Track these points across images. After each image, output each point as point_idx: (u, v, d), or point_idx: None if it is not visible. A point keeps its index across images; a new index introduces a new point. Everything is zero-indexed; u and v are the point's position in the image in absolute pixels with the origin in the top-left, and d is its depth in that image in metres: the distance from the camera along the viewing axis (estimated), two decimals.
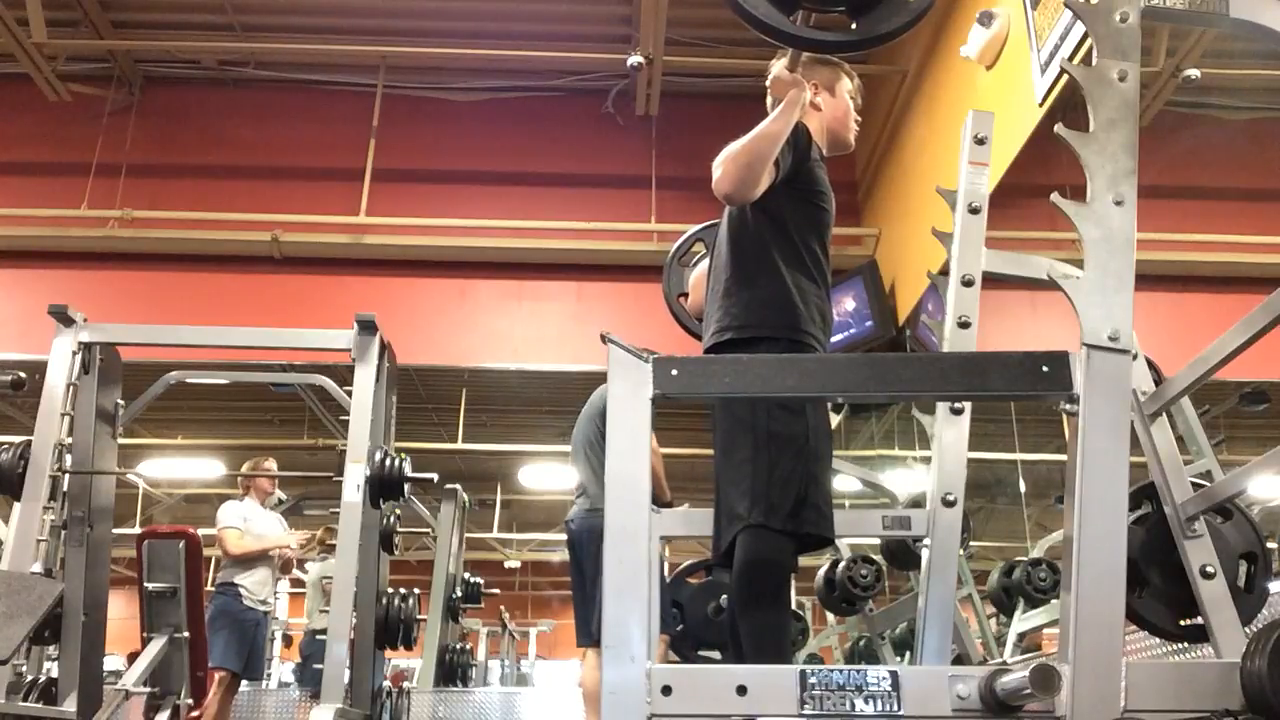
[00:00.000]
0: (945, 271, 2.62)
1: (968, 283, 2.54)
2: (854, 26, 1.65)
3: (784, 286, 2.21)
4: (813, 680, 1.43)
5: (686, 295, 3.02)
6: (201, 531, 4.42)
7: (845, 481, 5.98)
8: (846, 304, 6.09)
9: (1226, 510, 2.07)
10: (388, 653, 4.38)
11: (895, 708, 1.41)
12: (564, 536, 4.30)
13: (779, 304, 2.21)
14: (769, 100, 2.30)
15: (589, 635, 3.92)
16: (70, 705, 3.53)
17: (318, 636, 7.11)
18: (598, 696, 3.81)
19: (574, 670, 7.57)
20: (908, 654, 4.89)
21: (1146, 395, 2.14)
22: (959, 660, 4.02)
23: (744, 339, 2.20)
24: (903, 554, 4.29)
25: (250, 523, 5.57)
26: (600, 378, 1.62)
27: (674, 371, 1.54)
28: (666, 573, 4.28)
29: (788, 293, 2.21)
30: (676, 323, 3.03)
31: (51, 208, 6.37)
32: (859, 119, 2.53)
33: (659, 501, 3.86)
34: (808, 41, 1.80)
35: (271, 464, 5.80)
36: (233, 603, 5.41)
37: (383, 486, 3.94)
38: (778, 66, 2.26)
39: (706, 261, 2.60)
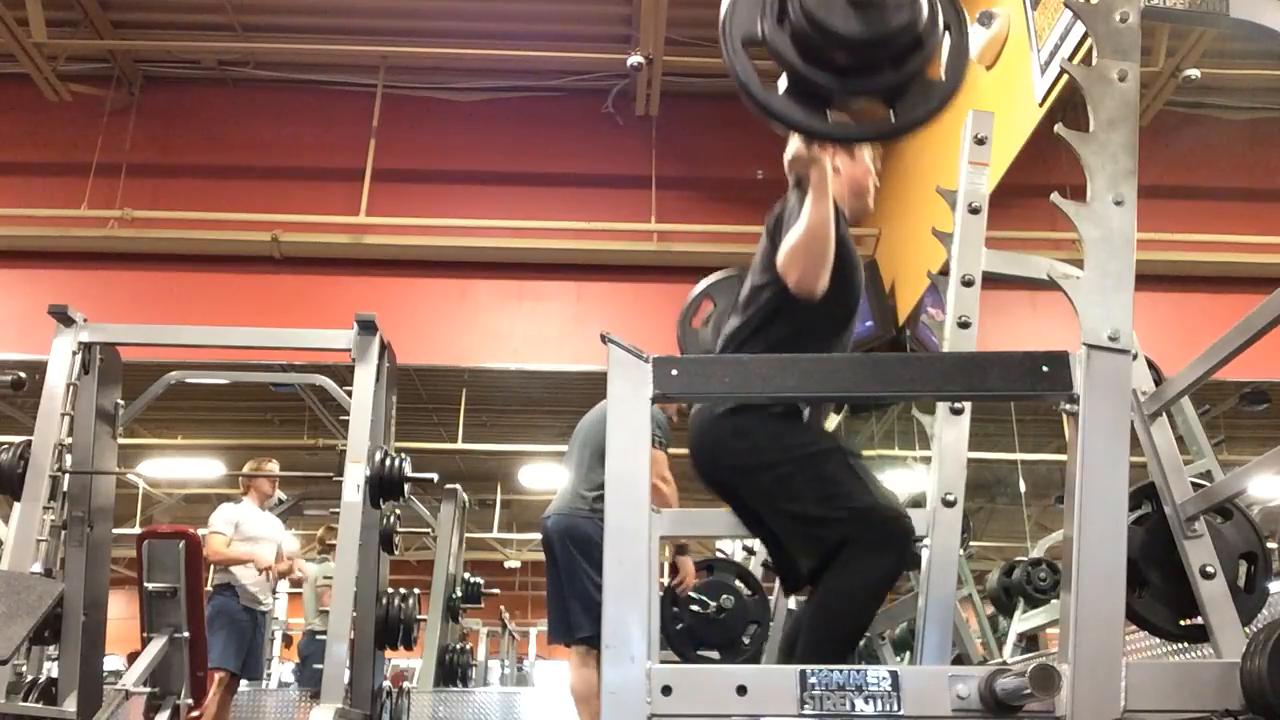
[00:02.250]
0: (945, 271, 2.62)
1: (968, 283, 2.54)
2: (892, 116, 1.61)
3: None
4: (813, 680, 1.43)
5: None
6: (201, 532, 4.43)
7: None
8: None
9: (1226, 510, 2.07)
10: (388, 653, 4.38)
11: (895, 708, 1.42)
12: None
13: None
14: (790, 177, 2.26)
15: (561, 634, 3.90)
16: (70, 705, 3.53)
17: (317, 636, 7.12)
18: (587, 697, 3.82)
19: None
20: (908, 654, 4.88)
21: (1146, 395, 2.14)
22: (959, 660, 4.03)
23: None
24: None
25: (245, 526, 5.56)
26: (600, 377, 1.61)
27: (674, 371, 1.54)
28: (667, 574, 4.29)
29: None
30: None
31: (51, 208, 6.37)
32: (878, 183, 2.47)
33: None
34: (852, 137, 1.77)
35: (273, 465, 5.79)
36: (230, 603, 5.41)
37: (383, 486, 3.94)
38: (794, 144, 2.16)
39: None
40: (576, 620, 3.79)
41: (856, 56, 1.56)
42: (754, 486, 2.18)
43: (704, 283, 3.18)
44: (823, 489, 2.08)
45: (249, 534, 5.56)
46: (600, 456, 4.00)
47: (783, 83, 1.59)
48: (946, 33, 1.60)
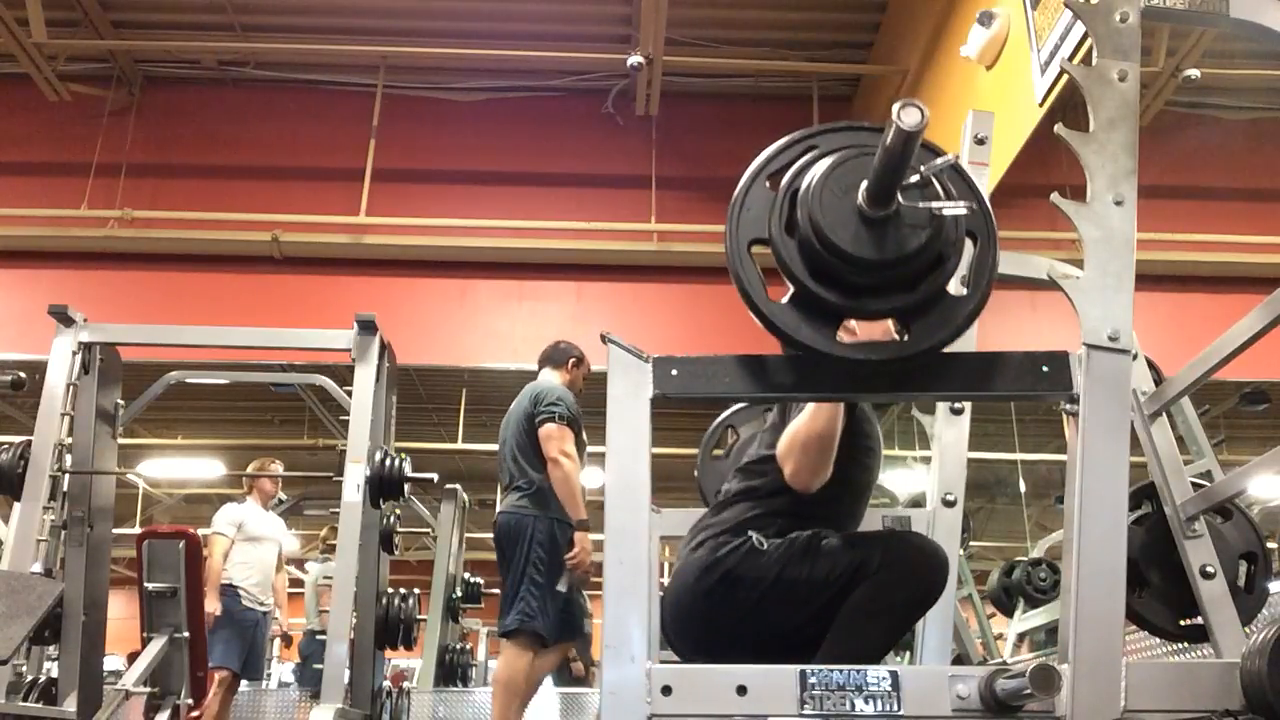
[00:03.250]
0: None
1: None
2: (905, 338, 1.47)
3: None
4: (813, 680, 1.43)
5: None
6: (201, 532, 4.43)
7: None
8: None
9: (1226, 510, 2.07)
10: (388, 653, 4.38)
11: (895, 708, 1.42)
12: None
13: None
14: None
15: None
16: (70, 705, 3.53)
17: (317, 636, 7.13)
18: (511, 688, 3.76)
19: None
20: (908, 654, 4.88)
21: (1146, 395, 2.14)
22: (959, 660, 4.03)
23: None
24: None
25: (248, 526, 5.56)
26: (600, 377, 1.61)
27: (674, 371, 1.54)
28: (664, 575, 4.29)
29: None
30: None
31: (51, 208, 6.37)
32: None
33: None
34: (855, 362, 1.62)
35: (277, 466, 5.79)
36: (232, 603, 5.41)
37: (383, 486, 3.94)
38: None
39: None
40: (503, 611, 3.80)
41: (866, 277, 1.42)
42: (766, 621, 1.98)
43: (725, 414, 3.05)
44: (819, 570, 1.94)
45: (252, 534, 5.56)
46: (516, 448, 3.97)
47: (789, 292, 1.47)
48: (972, 242, 1.49)
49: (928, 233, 1.41)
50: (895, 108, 1.29)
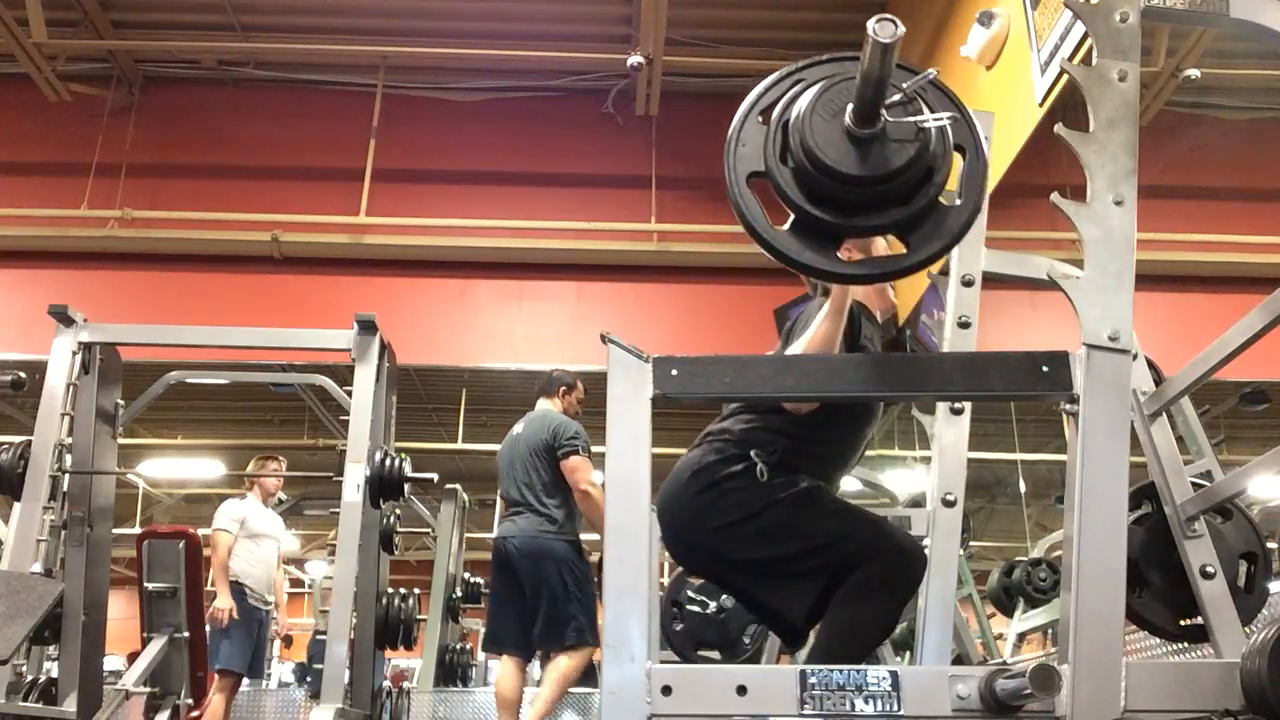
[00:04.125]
0: (945, 271, 2.62)
1: (968, 283, 2.54)
2: (906, 249, 1.51)
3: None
4: (813, 680, 1.43)
5: None
6: (201, 531, 4.43)
7: (846, 481, 5.96)
8: None
9: (1226, 510, 2.07)
10: (388, 653, 4.38)
11: (895, 708, 1.42)
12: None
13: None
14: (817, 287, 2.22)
15: (499, 644, 4.15)
16: (70, 705, 3.53)
17: (317, 636, 7.13)
18: (509, 702, 3.94)
19: None
20: (908, 654, 4.88)
21: (1146, 395, 2.14)
22: (959, 660, 4.03)
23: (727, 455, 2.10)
24: None
25: (250, 522, 5.55)
26: (600, 377, 1.61)
27: (674, 371, 1.54)
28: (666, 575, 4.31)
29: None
30: None
31: (51, 208, 6.37)
32: None
33: None
34: (862, 278, 1.63)
35: (279, 464, 5.78)
36: (239, 601, 5.36)
37: (383, 486, 3.95)
38: None
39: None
40: (556, 631, 4.00)
41: (860, 194, 1.47)
42: (731, 543, 2.06)
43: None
44: (804, 523, 2.03)
45: (254, 531, 5.55)
46: (534, 474, 4.09)
47: (789, 220, 1.51)
48: (960, 155, 1.52)
49: (915, 146, 1.45)
50: (870, 23, 1.34)
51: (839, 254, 1.52)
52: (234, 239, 6.41)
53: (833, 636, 2.01)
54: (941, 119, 1.47)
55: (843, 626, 2.00)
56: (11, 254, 6.32)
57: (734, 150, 1.52)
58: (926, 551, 2.39)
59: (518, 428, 4.31)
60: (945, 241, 1.51)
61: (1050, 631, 6.12)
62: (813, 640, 2.12)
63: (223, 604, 5.12)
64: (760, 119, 1.54)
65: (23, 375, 4.10)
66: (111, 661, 5.75)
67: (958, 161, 1.52)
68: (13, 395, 7.15)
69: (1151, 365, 2.44)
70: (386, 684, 4.53)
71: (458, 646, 6.73)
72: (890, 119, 1.44)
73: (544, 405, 4.37)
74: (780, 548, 2.02)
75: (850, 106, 1.44)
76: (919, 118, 1.46)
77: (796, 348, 2.03)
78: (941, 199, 1.50)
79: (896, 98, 1.45)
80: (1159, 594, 2.03)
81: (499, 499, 4.69)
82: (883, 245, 2.27)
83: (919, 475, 7.32)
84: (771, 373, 1.64)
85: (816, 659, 1.95)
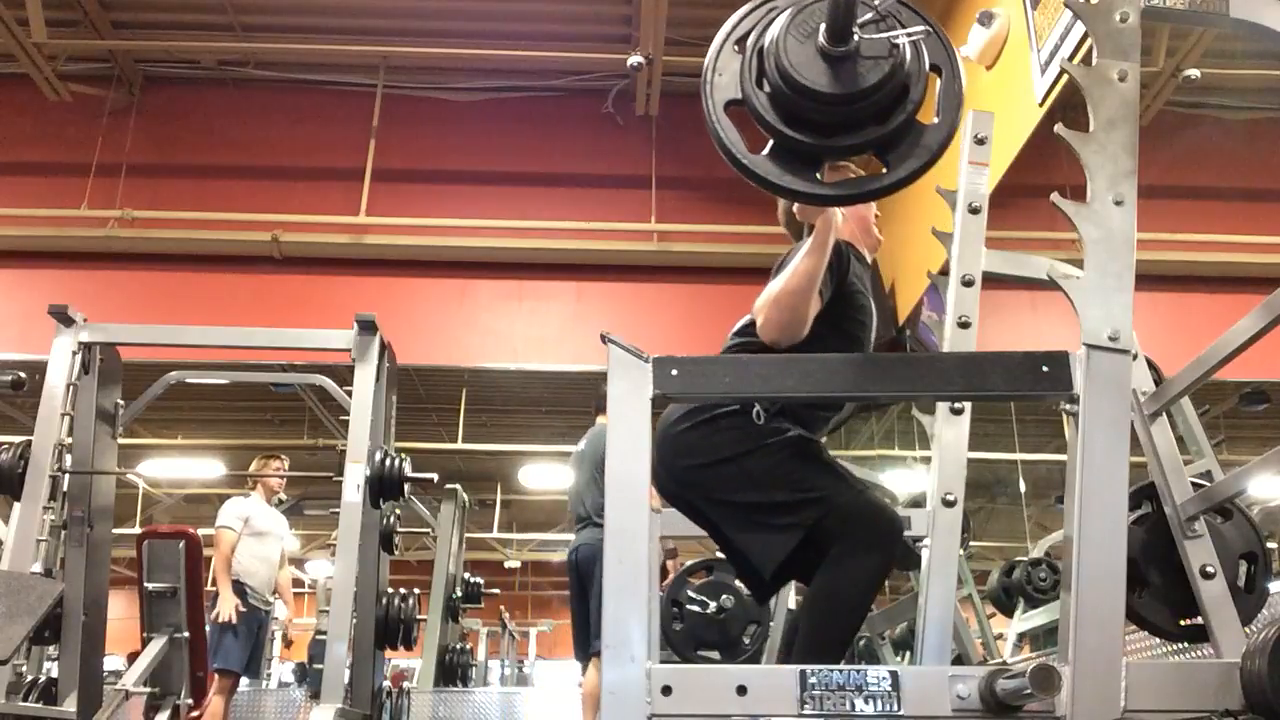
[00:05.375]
0: (945, 271, 2.62)
1: (968, 283, 2.54)
2: (885, 170, 1.50)
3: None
4: (813, 680, 1.43)
5: None
6: (201, 531, 4.43)
7: None
8: None
9: (1226, 510, 2.07)
10: (388, 653, 4.38)
11: (895, 708, 1.41)
12: (565, 536, 4.38)
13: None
14: (793, 217, 2.25)
15: (578, 649, 4.23)
16: (70, 705, 3.53)
17: (317, 637, 7.13)
18: (597, 701, 3.95)
19: (573, 670, 7.58)
20: (908, 654, 4.89)
21: (1146, 395, 2.14)
22: (959, 660, 4.03)
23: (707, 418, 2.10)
24: (903, 554, 4.27)
25: (254, 520, 5.54)
26: (600, 377, 1.62)
27: (674, 371, 1.54)
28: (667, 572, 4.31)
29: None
30: None
31: (51, 208, 6.37)
32: (878, 213, 2.44)
33: None
34: (842, 199, 1.64)
35: (282, 464, 5.77)
36: (240, 600, 5.35)
37: (383, 486, 3.95)
38: None
39: None
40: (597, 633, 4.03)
41: (836, 114, 1.46)
42: (717, 481, 2.08)
43: None
44: (792, 473, 2.04)
45: (258, 529, 5.54)
46: (599, 490, 4.14)
47: (768, 145, 1.51)
48: (936, 75, 1.52)
49: (890, 63, 1.45)
50: None
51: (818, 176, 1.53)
52: (234, 239, 6.41)
53: (816, 605, 2.02)
54: (915, 33, 1.48)
55: (826, 594, 2.00)
56: (11, 254, 6.32)
57: (710, 80, 1.52)
58: (924, 549, 2.40)
59: (581, 445, 4.42)
60: (923, 160, 1.50)
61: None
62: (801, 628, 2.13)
63: (226, 606, 5.11)
64: (736, 48, 1.55)
65: (23, 375, 4.10)
66: (111, 661, 5.75)
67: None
68: (13, 395, 7.14)
69: (1151, 365, 2.44)
70: (386, 684, 4.53)
71: (458, 646, 6.72)
72: (863, 36, 1.45)
73: (602, 422, 4.41)
74: (766, 495, 2.03)
75: (823, 26, 1.45)
76: (892, 33, 1.46)
77: (778, 283, 2.01)
78: (919, 119, 1.51)
79: (869, 15, 1.46)
80: (1159, 594, 2.03)
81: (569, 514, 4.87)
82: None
83: (919, 475, 7.32)
84: (771, 373, 1.64)
85: (805, 632, 1.98)
